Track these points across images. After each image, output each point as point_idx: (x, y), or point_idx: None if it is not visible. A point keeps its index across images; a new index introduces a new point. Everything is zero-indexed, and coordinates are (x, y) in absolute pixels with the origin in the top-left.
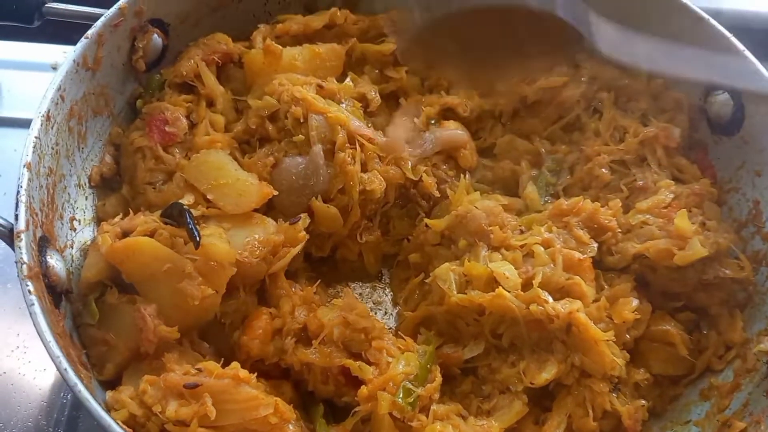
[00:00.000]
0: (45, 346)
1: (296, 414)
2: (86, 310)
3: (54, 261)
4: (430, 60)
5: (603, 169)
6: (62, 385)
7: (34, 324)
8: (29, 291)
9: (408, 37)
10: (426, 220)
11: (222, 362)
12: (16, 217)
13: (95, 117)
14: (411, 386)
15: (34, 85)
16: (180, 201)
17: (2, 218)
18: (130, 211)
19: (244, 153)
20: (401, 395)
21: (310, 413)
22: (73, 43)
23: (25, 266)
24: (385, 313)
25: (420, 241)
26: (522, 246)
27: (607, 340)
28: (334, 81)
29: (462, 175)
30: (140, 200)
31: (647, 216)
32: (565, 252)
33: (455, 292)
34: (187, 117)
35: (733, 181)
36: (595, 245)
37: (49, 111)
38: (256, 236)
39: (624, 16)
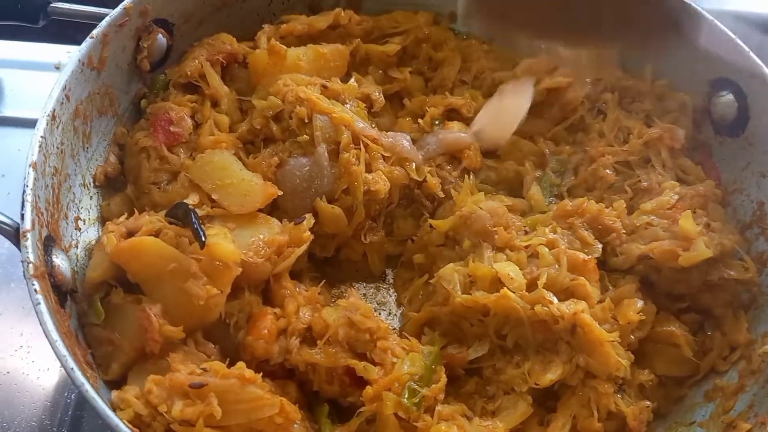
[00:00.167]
0: (51, 345)
1: (301, 414)
2: (91, 310)
3: (59, 260)
4: (496, 15)
5: (607, 170)
6: (66, 384)
7: (40, 323)
8: (35, 290)
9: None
10: (430, 221)
11: (227, 362)
12: (22, 216)
13: (100, 117)
14: (416, 387)
15: (37, 84)
16: (185, 201)
17: (8, 217)
18: (135, 211)
19: (248, 153)
20: (406, 396)
21: (315, 413)
22: (76, 42)
23: (31, 265)
24: (389, 313)
25: (424, 241)
26: (526, 247)
27: (612, 341)
28: (339, 81)
29: (466, 176)
30: (145, 200)
31: (652, 217)
32: (569, 253)
33: (460, 293)
34: (192, 117)
35: (737, 182)
36: (600, 246)
37: (54, 110)
38: (261, 236)
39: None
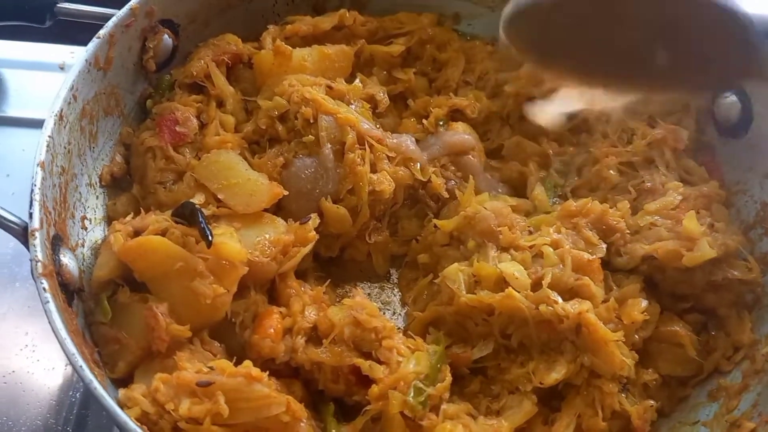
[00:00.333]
0: (60, 343)
1: (307, 413)
2: (98, 309)
3: (67, 259)
4: (537, 42)
5: (611, 171)
6: (71, 383)
7: (49, 321)
8: (44, 289)
9: (522, 8)
10: (435, 221)
11: (233, 361)
12: (30, 215)
13: (106, 117)
14: (422, 385)
15: (41, 85)
16: (191, 200)
17: (16, 216)
18: (141, 211)
19: (253, 153)
20: (412, 394)
21: (320, 412)
22: (79, 43)
23: (39, 264)
24: (394, 313)
25: (428, 241)
26: (531, 247)
27: (617, 341)
28: (343, 82)
29: (471, 176)
30: (151, 200)
31: (656, 217)
32: (574, 253)
33: (464, 293)
34: (197, 117)
35: (740, 183)
36: (604, 246)
37: (62, 110)
38: (267, 236)
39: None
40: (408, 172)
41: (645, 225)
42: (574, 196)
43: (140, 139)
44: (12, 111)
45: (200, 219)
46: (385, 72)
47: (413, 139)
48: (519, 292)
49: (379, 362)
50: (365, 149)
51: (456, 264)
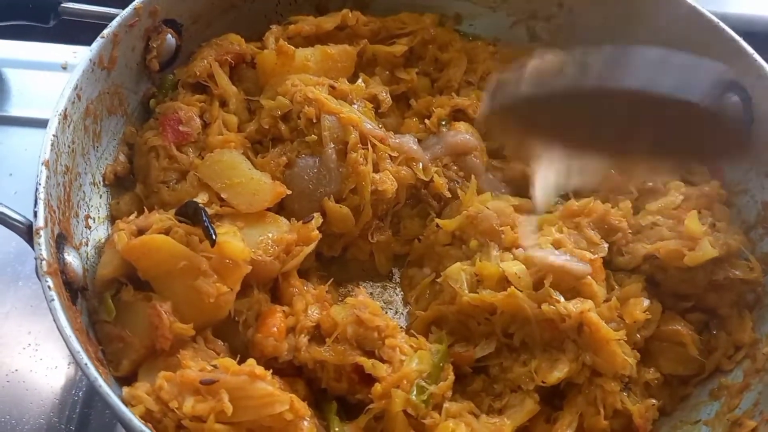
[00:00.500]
0: (65, 341)
1: (310, 411)
2: (102, 307)
3: (71, 258)
4: (517, 132)
5: (613, 171)
6: (74, 382)
7: (54, 319)
8: (49, 287)
9: (501, 104)
10: (437, 221)
11: (237, 360)
12: (35, 213)
13: (109, 116)
14: (424, 384)
15: (44, 84)
16: (194, 200)
17: (21, 215)
18: (145, 210)
19: (256, 153)
20: (415, 393)
21: (323, 410)
22: (82, 43)
23: (44, 262)
24: (396, 312)
25: (431, 241)
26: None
27: (619, 340)
28: (346, 82)
29: (473, 176)
30: (154, 199)
31: (657, 217)
32: (576, 252)
33: (467, 292)
34: (201, 117)
35: (742, 183)
36: (606, 246)
37: (66, 110)
38: (270, 235)
39: (632, 19)
40: (410, 172)
41: (647, 225)
42: (576, 196)
43: (143, 138)
44: (14, 110)
45: (204, 218)
46: (387, 72)
47: (415, 139)
48: (521, 291)
49: (382, 361)
50: (368, 149)
51: (458, 263)
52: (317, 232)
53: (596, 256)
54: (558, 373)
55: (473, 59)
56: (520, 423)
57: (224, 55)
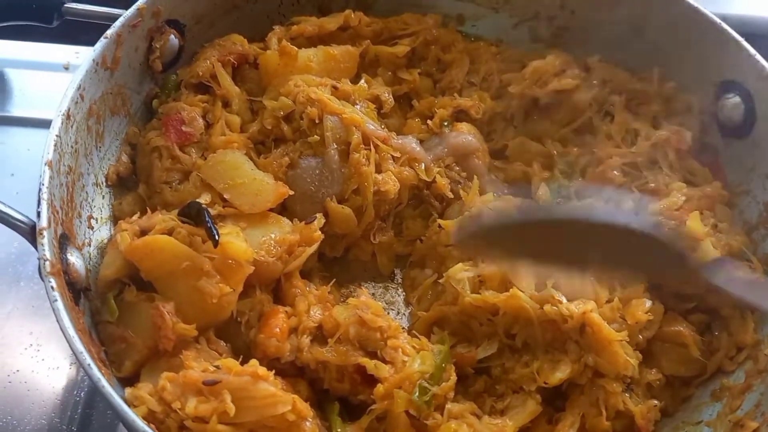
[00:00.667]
0: (68, 342)
1: (312, 412)
2: (105, 308)
3: (74, 258)
4: (490, 254)
5: (615, 172)
6: (75, 383)
7: (57, 320)
8: (52, 287)
9: (473, 231)
10: (439, 221)
11: (239, 360)
12: (38, 214)
13: (112, 116)
14: (427, 385)
15: (46, 85)
16: (197, 200)
17: (24, 215)
18: (148, 210)
19: (259, 153)
20: (417, 394)
21: (325, 411)
22: (84, 43)
23: (47, 263)
24: (398, 313)
25: (433, 241)
26: None
27: (621, 341)
28: (349, 82)
29: (475, 177)
30: (157, 199)
31: (659, 218)
32: None
33: (469, 293)
34: (203, 117)
35: (743, 183)
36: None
37: (69, 110)
38: (273, 235)
39: (634, 20)
40: (413, 173)
41: None
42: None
43: (146, 138)
44: (17, 111)
45: (206, 218)
46: (390, 72)
47: (417, 141)
48: (523, 291)
49: (384, 361)
50: (370, 149)
51: (460, 264)
52: (320, 232)
53: None
54: (560, 374)
55: (476, 60)
56: (522, 424)
57: (227, 55)
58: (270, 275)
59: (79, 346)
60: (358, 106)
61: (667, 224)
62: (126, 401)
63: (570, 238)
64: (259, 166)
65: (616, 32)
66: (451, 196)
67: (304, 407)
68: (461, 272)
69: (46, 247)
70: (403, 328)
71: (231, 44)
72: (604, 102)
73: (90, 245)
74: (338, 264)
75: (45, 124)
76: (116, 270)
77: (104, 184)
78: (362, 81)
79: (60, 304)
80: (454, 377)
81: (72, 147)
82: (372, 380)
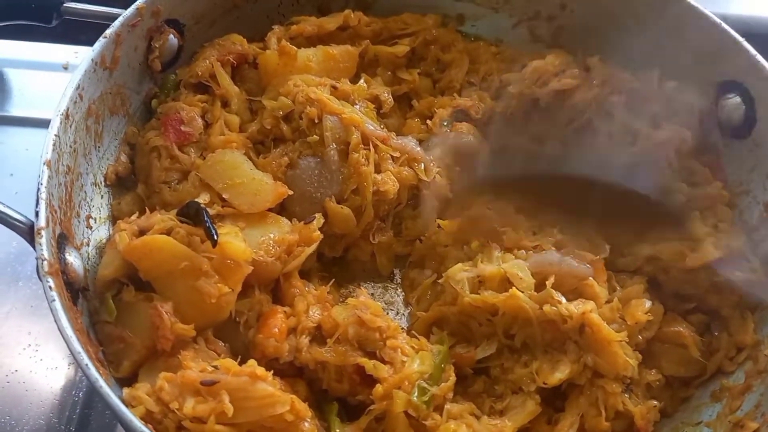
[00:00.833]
0: (66, 342)
1: (311, 412)
2: (103, 308)
3: (72, 258)
4: (483, 213)
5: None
6: (74, 383)
7: (54, 320)
8: (50, 287)
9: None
10: (438, 221)
11: (238, 360)
12: (36, 213)
13: (111, 116)
14: (426, 385)
15: (45, 85)
16: (196, 200)
17: (22, 215)
18: (146, 210)
19: (258, 153)
20: (416, 394)
21: (324, 411)
22: (83, 43)
23: (45, 263)
24: (397, 313)
25: (432, 241)
26: (535, 247)
27: (620, 341)
28: (348, 82)
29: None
30: (155, 199)
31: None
32: (578, 253)
33: (468, 293)
34: (202, 117)
35: (744, 184)
36: (608, 246)
37: (68, 109)
38: (271, 235)
39: (634, 20)
40: (412, 173)
41: None
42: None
43: (145, 138)
44: (15, 111)
45: (205, 218)
46: (389, 72)
47: (416, 141)
48: (523, 292)
49: (383, 362)
50: (370, 149)
51: (460, 264)
52: (318, 232)
53: (598, 257)
54: (559, 374)
55: (475, 60)
56: (521, 424)
57: (226, 55)
58: (269, 275)
59: (77, 346)
60: (358, 106)
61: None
62: (124, 401)
63: (570, 192)
64: (258, 166)
65: (616, 32)
66: (450, 196)
67: (303, 407)
68: (460, 272)
69: (44, 247)
70: (402, 328)
71: (230, 44)
72: (604, 102)
73: (88, 245)
74: (337, 264)
75: (44, 123)
76: (115, 270)
77: (103, 183)
78: (362, 81)
79: (58, 304)
80: (453, 377)
81: (71, 147)
82: (371, 380)
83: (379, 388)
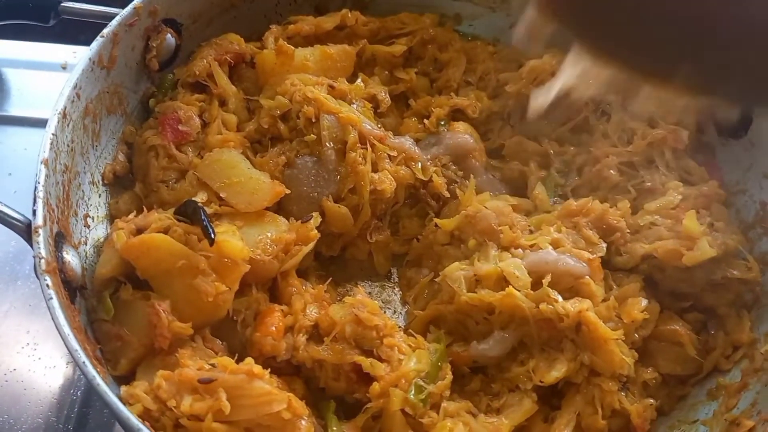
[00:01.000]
0: (63, 340)
1: (308, 410)
2: (101, 306)
3: (70, 257)
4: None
5: (611, 171)
6: (72, 382)
7: (52, 318)
8: (47, 285)
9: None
10: (435, 220)
11: (235, 359)
12: (34, 212)
13: (109, 115)
14: (422, 383)
15: (43, 84)
16: (193, 199)
17: (20, 213)
18: (144, 209)
19: (255, 152)
20: (413, 392)
21: (321, 410)
22: (81, 43)
23: (43, 261)
24: (394, 312)
25: (429, 240)
26: (532, 246)
27: (617, 340)
28: (345, 82)
29: (471, 176)
30: (153, 198)
31: (656, 217)
32: (574, 252)
33: (465, 291)
34: (200, 116)
35: (740, 183)
36: (604, 245)
37: (65, 109)
38: (269, 234)
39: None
40: (409, 172)
41: (645, 224)
42: (575, 196)
43: (143, 137)
44: (14, 110)
45: (203, 217)
46: (386, 72)
47: (413, 141)
48: (519, 290)
49: (380, 360)
50: (367, 148)
51: (457, 263)
52: (316, 231)
53: (594, 255)
54: (556, 372)
55: (472, 59)
56: (517, 422)
57: (224, 54)
58: (266, 274)
59: (74, 344)
60: (355, 106)
61: None
62: (121, 399)
63: (664, 39)
64: (255, 165)
65: None
66: (447, 195)
67: (300, 405)
68: (457, 271)
69: (42, 245)
70: (400, 326)
71: (228, 43)
72: (601, 101)
73: (86, 244)
74: (335, 263)
75: (42, 123)
76: (112, 268)
77: (101, 182)
78: (359, 80)
79: (55, 302)
80: (449, 376)
81: (68, 146)
82: (368, 379)
83: (376, 386)
